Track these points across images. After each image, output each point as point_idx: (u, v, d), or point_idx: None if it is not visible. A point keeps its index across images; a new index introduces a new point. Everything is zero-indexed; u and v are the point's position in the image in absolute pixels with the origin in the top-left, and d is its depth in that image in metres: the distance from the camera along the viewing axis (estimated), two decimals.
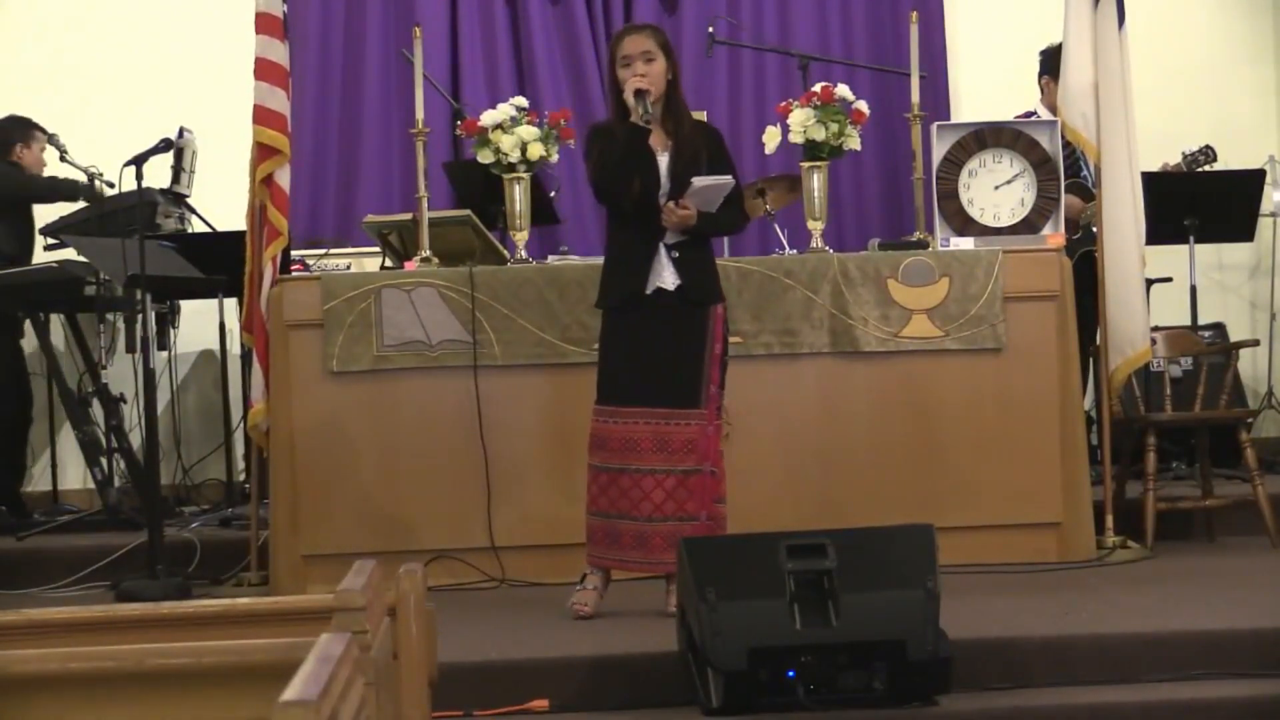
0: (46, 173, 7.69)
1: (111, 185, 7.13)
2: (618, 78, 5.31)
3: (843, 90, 6.19)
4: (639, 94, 5.21)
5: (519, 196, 6.13)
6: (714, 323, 5.32)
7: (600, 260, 5.59)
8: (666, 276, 5.30)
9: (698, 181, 5.23)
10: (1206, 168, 7.73)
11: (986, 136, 6.29)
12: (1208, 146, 7.72)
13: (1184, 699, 4.50)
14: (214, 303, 7.62)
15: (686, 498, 5.25)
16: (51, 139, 7.64)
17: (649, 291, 5.29)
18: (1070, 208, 6.31)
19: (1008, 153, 6.29)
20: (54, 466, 7.92)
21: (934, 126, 6.39)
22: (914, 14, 6.59)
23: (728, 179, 5.29)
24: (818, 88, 6.21)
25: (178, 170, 7.71)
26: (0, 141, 7.61)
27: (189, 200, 7.85)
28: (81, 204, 7.58)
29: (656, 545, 5.23)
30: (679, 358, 5.27)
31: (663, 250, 5.30)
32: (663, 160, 5.31)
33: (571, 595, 5.34)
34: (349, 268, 6.91)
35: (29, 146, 7.65)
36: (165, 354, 7.76)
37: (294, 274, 6.29)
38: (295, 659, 2.38)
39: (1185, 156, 7.73)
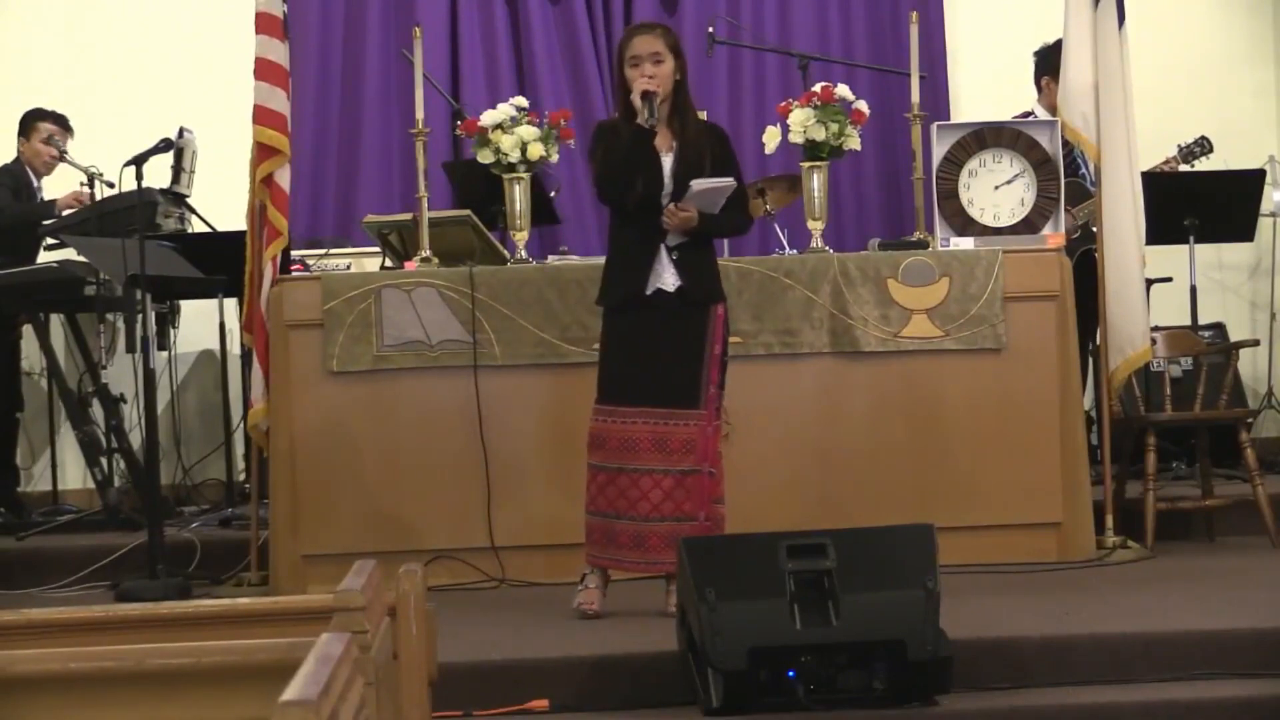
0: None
1: (111, 185, 7.13)
2: (625, 76, 5.31)
3: (843, 90, 6.19)
4: (645, 96, 5.21)
5: (519, 196, 6.13)
6: (714, 323, 5.32)
7: (601, 260, 5.59)
8: (667, 278, 5.30)
9: (697, 184, 5.22)
10: (1203, 159, 7.73)
11: (986, 136, 6.29)
12: (1203, 138, 7.73)
13: (1184, 699, 4.50)
14: (214, 303, 7.62)
15: (684, 498, 5.25)
16: (59, 120, 7.65)
17: (649, 292, 5.29)
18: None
19: (1008, 153, 6.28)
20: (54, 466, 7.91)
21: (934, 126, 6.39)
22: (914, 14, 6.59)
23: (729, 181, 5.28)
24: (818, 88, 6.21)
25: (178, 170, 7.71)
26: (16, 137, 7.67)
27: (189, 200, 7.85)
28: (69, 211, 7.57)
29: (654, 545, 5.23)
30: (678, 358, 5.27)
31: (663, 251, 5.30)
32: (667, 161, 5.31)
33: (575, 596, 5.34)
34: (349, 268, 6.90)
35: (29, 140, 7.67)
36: (165, 354, 7.76)
37: (294, 274, 6.29)
38: (295, 659, 2.38)
39: (1181, 149, 7.72)
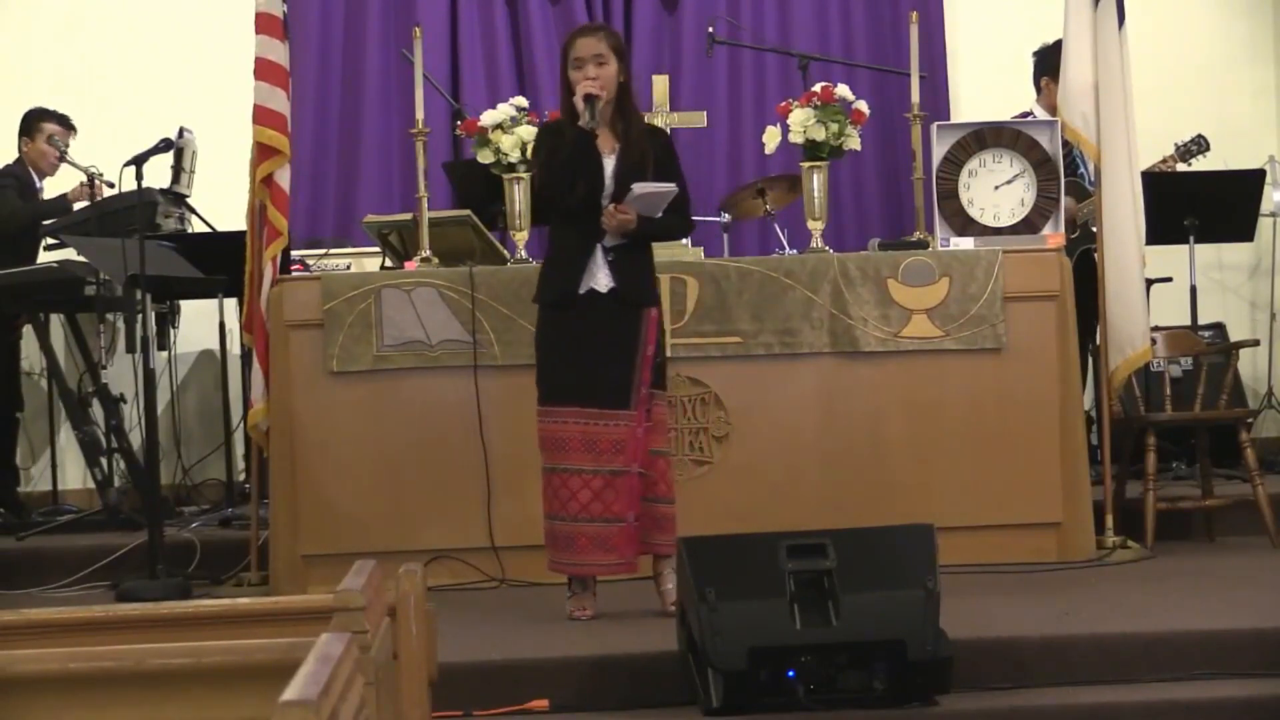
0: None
1: (111, 185, 7.13)
2: (569, 79, 5.31)
3: (843, 90, 6.20)
4: (588, 99, 5.21)
5: (519, 196, 6.14)
6: (647, 325, 5.30)
7: None
8: (600, 278, 5.28)
9: (639, 188, 5.21)
10: (1199, 157, 7.73)
11: (986, 136, 6.29)
12: (1200, 136, 7.73)
13: (1184, 699, 4.50)
14: (214, 303, 7.62)
15: (614, 499, 5.23)
16: (62, 120, 7.65)
17: (582, 291, 5.28)
18: (1065, 210, 6.33)
19: (1008, 153, 6.28)
20: (54, 466, 7.91)
21: (934, 126, 6.39)
22: (914, 14, 6.59)
23: (670, 186, 5.27)
24: (818, 88, 6.21)
25: (178, 170, 7.72)
26: (19, 136, 7.67)
27: (189, 200, 7.85)
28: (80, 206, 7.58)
29: (582, 546, 5.24)
30: (610, 359, 5.25)
31: (599, 251, 5.28)
32: (609, 162, 5.30)
33: (566, 605, 5.34)
34: (349, 268, 6.91)
35: (33, 140, 7.68)
36: (165, 354, 7.76)
37: (294, 274, 6.29)
38: (295, 659, 2.38)
39: (1178, 147, 7.73)
